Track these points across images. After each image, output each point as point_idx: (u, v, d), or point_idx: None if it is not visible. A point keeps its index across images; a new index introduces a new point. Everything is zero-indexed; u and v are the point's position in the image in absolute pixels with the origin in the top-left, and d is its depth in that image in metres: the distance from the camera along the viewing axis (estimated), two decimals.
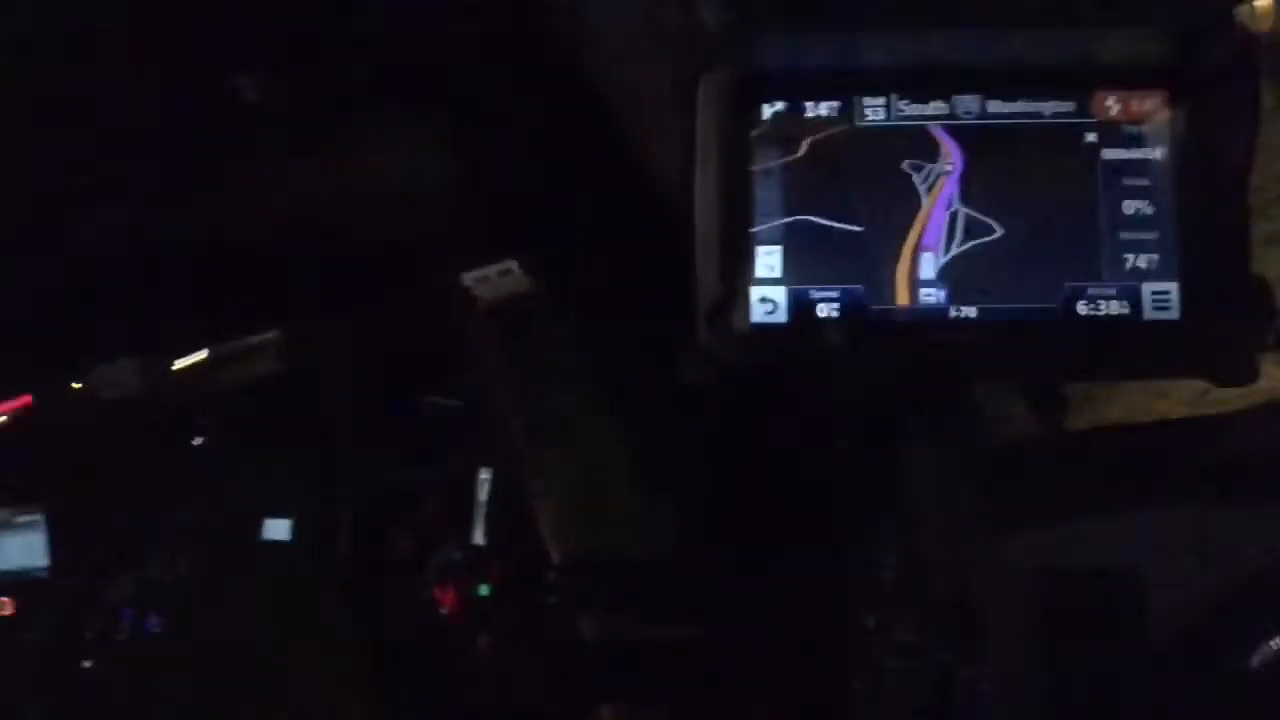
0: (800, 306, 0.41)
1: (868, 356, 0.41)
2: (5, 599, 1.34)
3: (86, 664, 1.30)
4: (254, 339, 1.23)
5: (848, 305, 0.41)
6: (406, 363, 1.11)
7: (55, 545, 1.38)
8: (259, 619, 1.28)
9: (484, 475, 1.13)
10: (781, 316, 0.41)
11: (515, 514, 1.10)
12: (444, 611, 1.10)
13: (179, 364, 1.22)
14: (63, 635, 1.30)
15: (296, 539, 1.26)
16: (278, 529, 1.33)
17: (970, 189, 0.41)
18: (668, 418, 0.72)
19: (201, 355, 1.26)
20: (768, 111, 0.42)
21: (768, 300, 0.41)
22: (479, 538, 1.12)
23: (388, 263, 1.11)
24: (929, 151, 0.42)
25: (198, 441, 1.39)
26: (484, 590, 1.05)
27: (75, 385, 1.57)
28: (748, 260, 0.41)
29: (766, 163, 0.41)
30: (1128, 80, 0.42)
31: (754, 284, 0.41)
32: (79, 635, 1.31)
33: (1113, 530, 0.52)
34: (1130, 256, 0.41)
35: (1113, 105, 0.42)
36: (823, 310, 0.41)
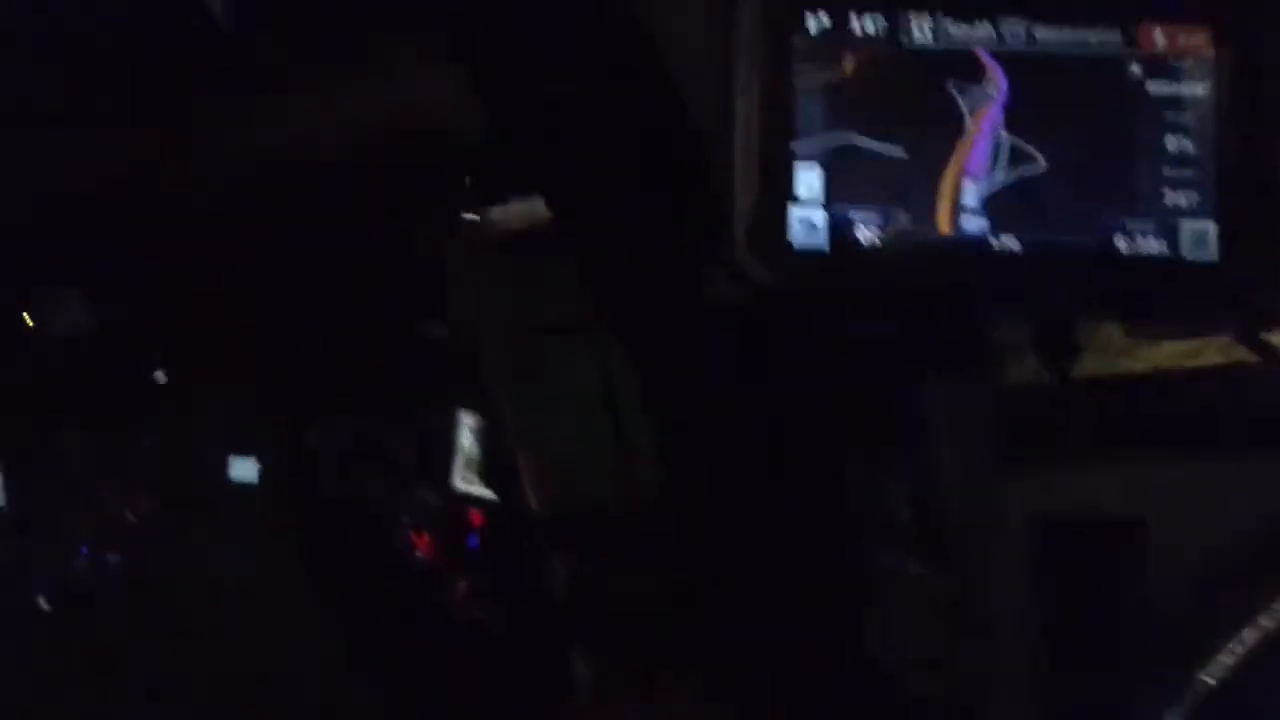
0: (840, 228, 0.40)
1: (908, 284, 0.40)
2: None
3: (41, 601, 1.26)
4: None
5: (889, 229, 0.40)
6: (389, 297, 1.08)
7: (8, 483, 1.34)
8: (223, 559, 1.25)
9: (465, 419, 1.11)
10: (821, 240, 0.40)
11: (495, 460, 1.09)
12: (420, 557, 1.09)
13: None
14: (16, 571, 1.27)
15: (265, 479, 1.24)
16: (244, 468, 1.30)
17: (1015, 117, 0.40)
18: (660, 359, 0.71)
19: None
20: (811, 23, 0.40)
21: (806, 220, 0.40)
22: (458, 483, 1.10)
23: (377, 203, 1.08)
24: (976, 75, 0.40)
25: (159, 377, 1.35)
26: (472, 541, 1.04)
27: (26, 321, 1.52)
28: (788, 178, 0.40)
29: (808, 77, 0.40)
30: (1175, 13, 0.41)
31: (793, 203, 0.40)
32: (33, 571, 1.27)
33: (1117, 478, 0.52)
34: (1170, 193, 0.41)
35: (1159, 37, 0.41)
36: (863, 235, 0.40)
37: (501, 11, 0.55)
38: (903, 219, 0.40)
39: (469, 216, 1.10)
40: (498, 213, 1.06)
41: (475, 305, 1.08)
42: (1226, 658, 0.44)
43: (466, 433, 1.11)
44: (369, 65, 1.00)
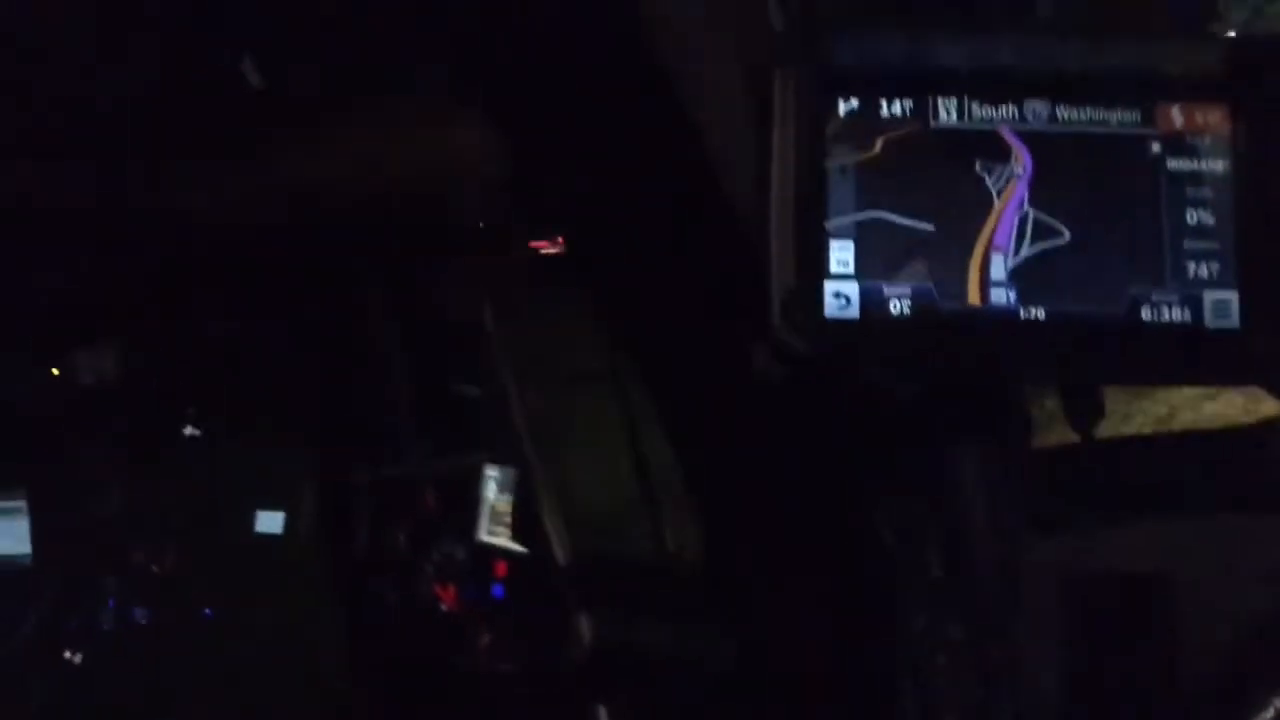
0: (872, 301, 0.41)
1: (938, 354, 0.41)
2: None
3: (70, 655, 1.27)
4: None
5: (919, 301, 0.41)
6: (418, 349, 1.10)
7: (38, 534, 1.35)
8: (250, 612, 1.26)
9: (490, 472, 1.12)
10: (854, 311, 0.41)
11: (521, 513, 1.10)
12: (444, 608, 1.10)
13: None
14: (46, 626, 1.27)
15: (291, 530, 1.25)
16: (271, 521, 1.32)
17: (1039, 192, 0.42)
18: (693, 420, 0.72)
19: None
20: (843, 108, 0.42)
21: (841, 295, 0.41)
22: (483, 535, 1.11)
23: (407, 256, 1.10)
24: (1001, 153, 0.42)
25: (189, 431, 1.38)
26: (497, 592, 1.05)
27: (54, 371, 1.54)
28: (822, 254, 0.41)
29: (841, 159, 0.42)
30: (1191, 93, 0.43)
31: (828, 278, 0.41)
32: (62, 626, 1.28)
33: (1144, 536, 0.53)
34: (1192, 265, 0.42)
35: (1177, 116, 0.43)
36: (895, 306, 0.41)
37: (557, 110, 0.57)
38: (932, 291, 0.41)
39: (502, 266, 1.12)
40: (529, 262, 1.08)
41: (505, 358, 1.10)
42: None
43: (492, 485, 1.13)
44: (403, 127, 1.03)
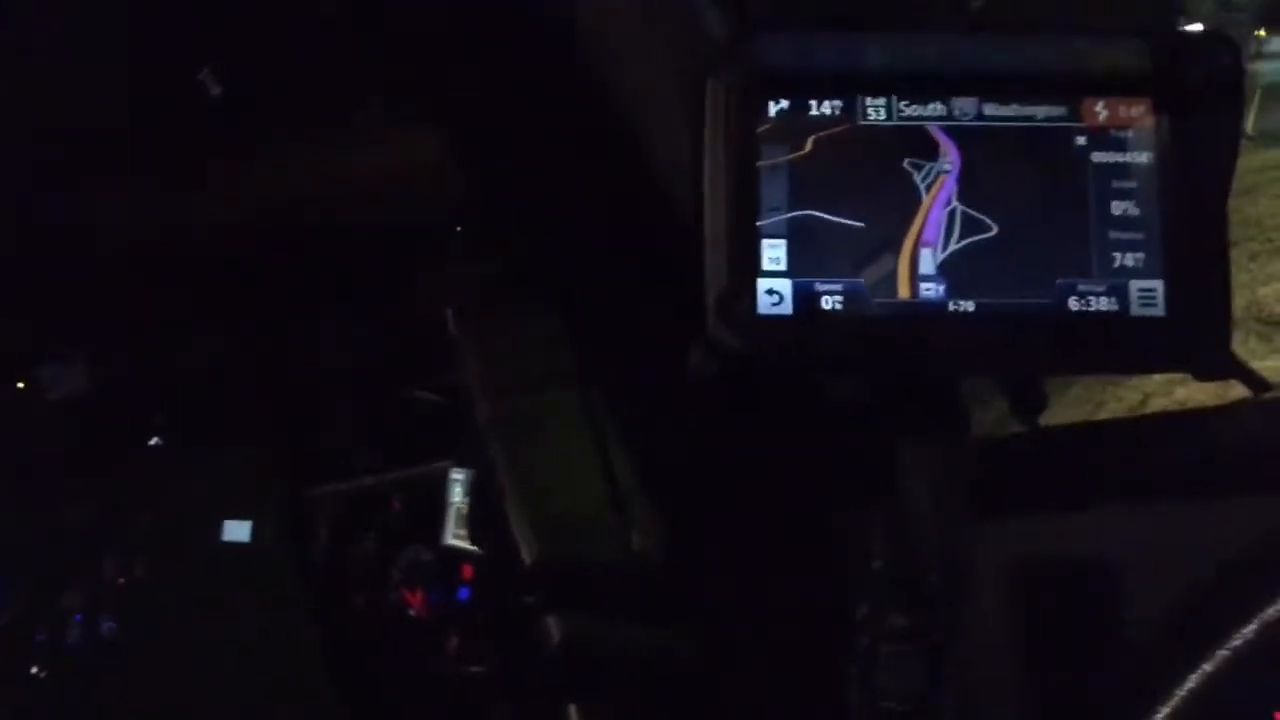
0: (805, 298, 0.42)
1: (870, 348, 0.42)
2: None
3: (36, 670, 1.26)
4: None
5: (851, 297, 0.42)
6: (382, 358, 1.10)
7: (3, 548, 1.34)
8: (219, 623, 1.25)
9: (456, 475, 1.12)
10: (787, 308, 0.42)
11: (487, 516, 1.10)
12: (412, 613, 1.09)
13: None
14: (11, 640, 1.26)
15: (259, 540, 1.24)
16: (238, 530, 1.31)
17: (967, 188, 0.43)
18: (646, 417, 0.73)
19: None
20: (773, 109, 0.43)
21: (774, 292, 0.42)
22: (449, 539, 1.11)
23: (363, 260, 1.10)
24: (929, 151, 0.43)
25: (154, 442, 1.36)
26: (463, 595, 1.05)
27: (20, 385, 1.53)
28: (754, 253, 0.42)
29: (772, 159, 0.42)
30: (1116, 87, 0.44)
31: (760, 275, 0.42)
32: (28, 640, 1.27)
33: (1088, 523, 0.54)
34: (1118, 255, 0.43)
35: (1101, 111, 0.44)
36: (826, 302, 0.42)
37: (495, 112, 0.57)
38: (863, 287, 0.42)
39: (462, 277, 1.12)
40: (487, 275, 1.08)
41: (469, 365, 1.10)
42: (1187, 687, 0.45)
43: (457, 489, 1.12)
44: (359, 137, 1.03)
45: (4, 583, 1.32)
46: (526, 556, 1.08)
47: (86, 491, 1.34)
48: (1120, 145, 0.43)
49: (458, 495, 1.13)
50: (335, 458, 1.15)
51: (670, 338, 0.62)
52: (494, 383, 1.12)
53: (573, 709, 1.05)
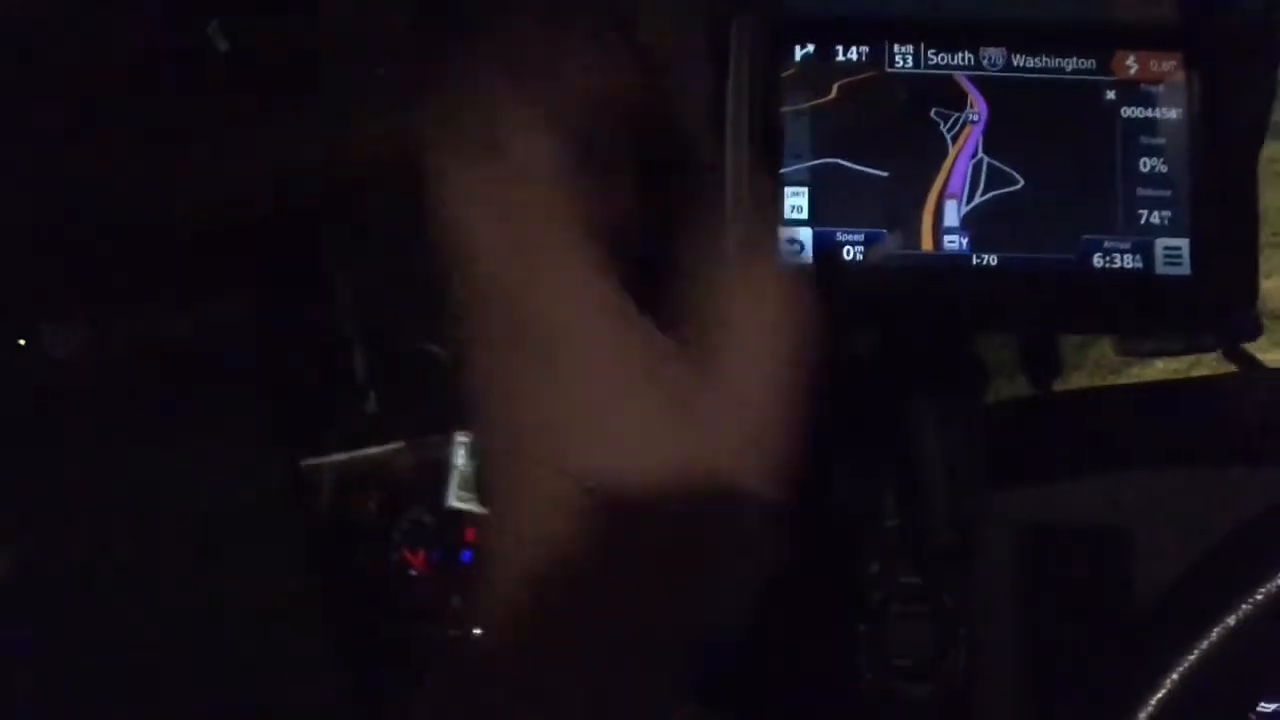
0: (825, 248, 0.41)
1: (890, 299, 0.41)
2: None
3: (35, 635, 1.26)
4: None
5: (873, 248, 0.41)
6: (382, 318, 1.09)
7: (2, 510, 1.34)
8: (217, 584, 1.25)
9: (460, 438, 1.12)
10: (807, 257, 0.41)
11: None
12: (414, 574, 1.09)
13: None
14: (8, 601, 1.26)
15: (259, 502, 1.24)
16: (238, 491, 1.30)
17: (994, 139, 0.42)
18: None
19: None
20: (799, 54, 0.42)
21: (794, 241, 0.41)
22: (452, 501, 1.11)
23: (370, 228, 1.09)
24: (956, 101, 0.42)
25: (155, 406, 1.36)
26: (465, 557, 1.04)
27: (20, 342, 1.53)
28: (776, 201, 0.41)
29: (796, 104, 0.41)
30: (1147, 40, 0.43)
31: (782, 224, 0.41)
32: (27, 601, 1.27)
33: (1101, 488, 0.54)
34: (1145, 212, 0.42)
35: (1132, 64, 0.43)
36: (848, 252, 0.41)
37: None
38: (886, 238, 0.41)
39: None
40: None
41: (469, 325, 1.09)
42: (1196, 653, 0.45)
43: (461, 452, 1.12)
44: (358, 97, 1.02)
45: (3, 545, 1.32)
46: None
47: (84, 454, 1.33)
48: (1150, 100, 0.43)
49: (461, 458, 1.12)
50: (333, 417, 1.14)
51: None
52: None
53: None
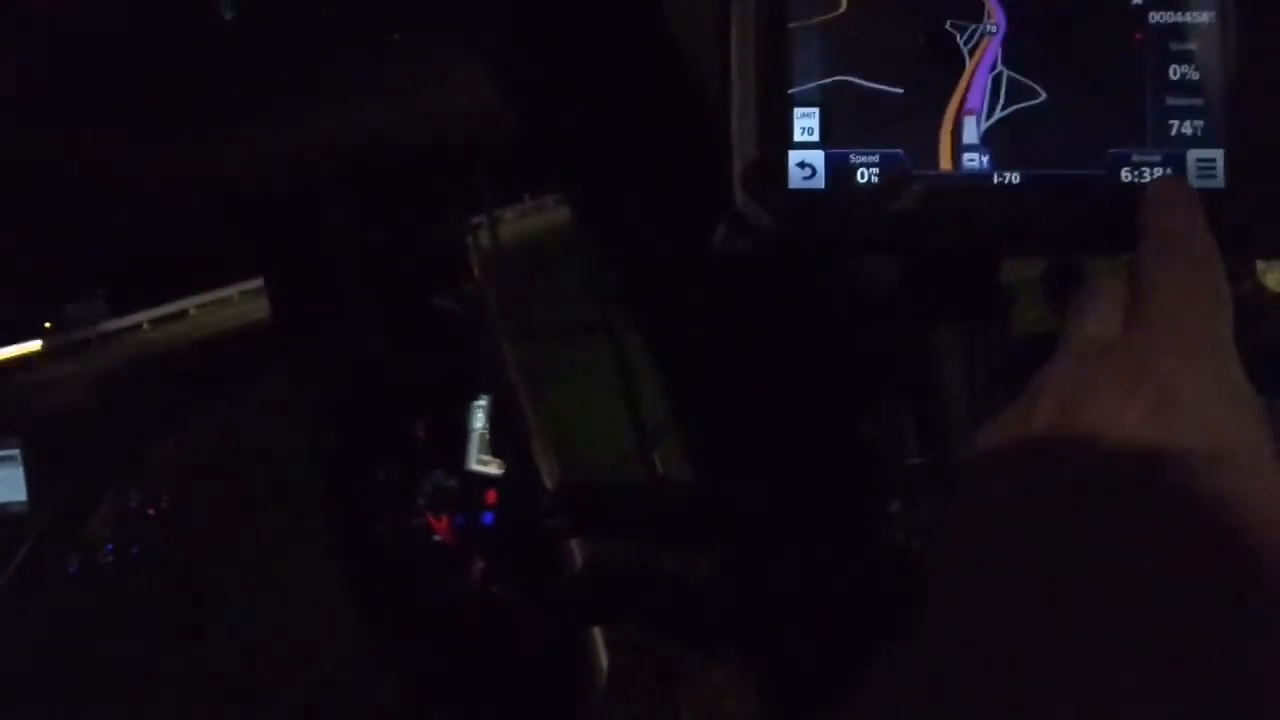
0: (839, 170, 0.40)
1: (909, 222, 0.40)
2: None
3: (68, 595, 1.28)
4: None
5: (889, 169, 0.39)
6: (406, 288, 1.08)
7: (34, 480, 1.35)
8: (246, 549, 1.26)
9: (478, 401, 1.11)
10: (819, 181, 0.39)
11: (509, 439, 1.09)
12: (437, 538, 1.10)
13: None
14: (45, 567, 1.28)
15: (285, 470, 1.24)
16: (264, 459, 1.31)
17: (1014, 51, 0.40)
18: (668, 329, 0.71)
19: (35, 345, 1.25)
20: None
21: (806, 164, 0.39)
22: (472, 464, 1.11)
23: (399, 204, 1.08)
24: (973, 11, 0.40)
25: (184, 372, 1.36)
26: (487, 519, 1.04)
27: (46, 325, 1.53)
28: (786, 122, 0.39)
29: (804, 20, 0.40)
30: None
31: (792, 147, 0.39)
32: (61, 568, 1.29)
33: None
34: (1175, 123, 0.40)
35: None
36: (863, 175, 0.40)
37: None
38: (902, 157, 0.40)
39: (489, 215, 1.10)
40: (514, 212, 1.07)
41: (495, 295, 1.08)
42: None
43: (480, 414, 1.12)
44: (388, 67, 1.00)
45: (36, 514, 1.33)
46: (548, 480, 1.08)
47: (116, 425, 1.34)
48: (1179, 3, 0.40)
49: (480, 420, 1.12)
50: (359, 386, 1.14)
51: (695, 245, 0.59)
52: (517, 314, 1.11)
53: (597, 630, 1.05)
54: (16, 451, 1.39)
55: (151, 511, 1.34)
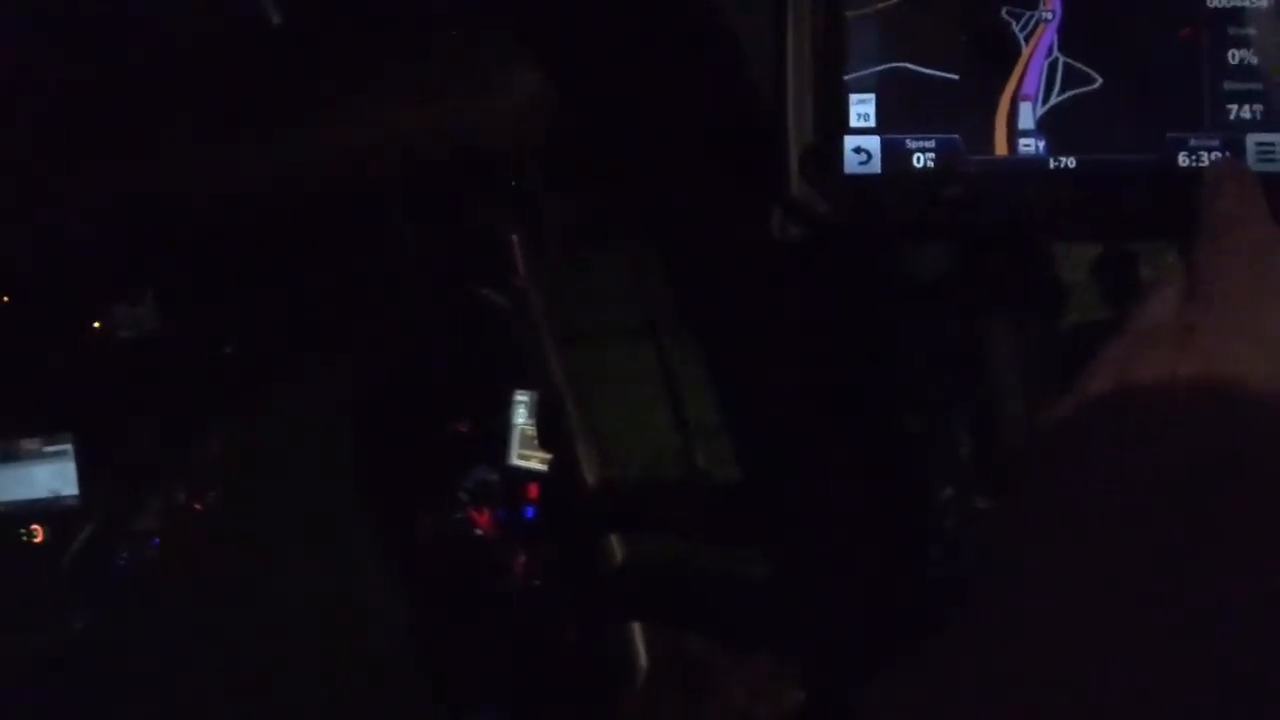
0: (894, 156, 0.40)
1: (964, 208, 0.40)
2: (36, 526, 1.35)
3: (117, 589, 1.30)
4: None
5: (944, 154, 0.40)
6: (447, 286, 1.10)
7: (85, 474, 1.38)
8: (289, 545, 1.28)
9: (519, 397, 1.12)
10: (875, 166, 0.40)
11: (551, 435, 1.10)
12: (479, 533, 1.11)
13: None
14: (93, 562, 1.31)
15: (326, 465, 1.26)
16: (308, 455, 1.33)
17: (1070, 37, 0.40)
18: (716, 323, 0.71)
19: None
20: None
21: (861, 150, 0.40)
22: (514, 459, 1.12)
23: (439, 205, 1.10)
24: None
25: (226, 375, 1.39)
26: (529, 514, 1.06)
27: (95, 325, 1.56)
28: (842, 108, 0.40)
29: (861, 8, 0.40)
30: None
31: (848, 133, 0.40)
32: (109, 562, 1.31)
33: None
34: (1234, 107, 0.40)
35: None
36: (918, 160, 0.40)
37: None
38: (958, 143, 0.40)
39: (532, 215, 1.12)
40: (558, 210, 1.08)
41: (538, 297, 1.09)
42: None
43: (521, 411, 1.13)
44: (424, 71, 1.02)
45: (87, 509, 1.36)
46: (589, 476, 1.08)
47: (160, 423, 1.37)
48: None
49: (522, 417, 1.13)
50: (400, 383, 1.16)
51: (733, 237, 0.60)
52: (558, 313, 1.11)
53: (635, 624, 1.05)
54: (69, 446, 1.43)
55: (198, 506, 1.36)
